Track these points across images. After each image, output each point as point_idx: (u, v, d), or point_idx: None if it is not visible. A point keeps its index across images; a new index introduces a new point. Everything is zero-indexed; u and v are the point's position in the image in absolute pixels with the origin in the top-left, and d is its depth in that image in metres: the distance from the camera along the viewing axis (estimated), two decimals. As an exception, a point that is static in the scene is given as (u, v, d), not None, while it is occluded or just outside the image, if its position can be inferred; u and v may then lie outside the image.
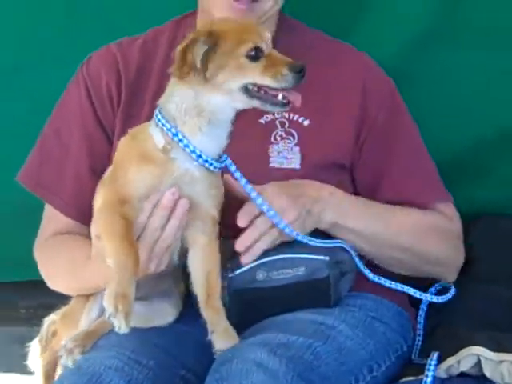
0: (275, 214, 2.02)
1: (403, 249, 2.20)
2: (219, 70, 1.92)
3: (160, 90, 2.07)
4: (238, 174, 2.02)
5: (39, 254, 2.36)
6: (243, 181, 2.02)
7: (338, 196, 2.16)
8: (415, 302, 2.36)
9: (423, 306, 2.35)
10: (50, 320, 2.28)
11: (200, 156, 1.95)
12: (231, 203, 2.04)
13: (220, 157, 1.99)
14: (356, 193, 2.29)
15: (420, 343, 2.30)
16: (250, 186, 2.02)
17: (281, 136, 2.24)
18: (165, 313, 2.14)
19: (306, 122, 2.25)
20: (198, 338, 2.07)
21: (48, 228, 2.37)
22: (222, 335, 1.97)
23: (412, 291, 2.22)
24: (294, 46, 2.28)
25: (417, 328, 2.32)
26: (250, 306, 2.07)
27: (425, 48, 2.79)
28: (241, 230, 2.05)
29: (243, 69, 1.93)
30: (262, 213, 2.03)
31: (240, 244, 2.04)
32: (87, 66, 2.35)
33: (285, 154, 2.22)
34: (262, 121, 2.25)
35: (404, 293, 2.25)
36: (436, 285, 2.38)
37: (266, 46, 1.95)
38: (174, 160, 1.94)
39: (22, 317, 3.37)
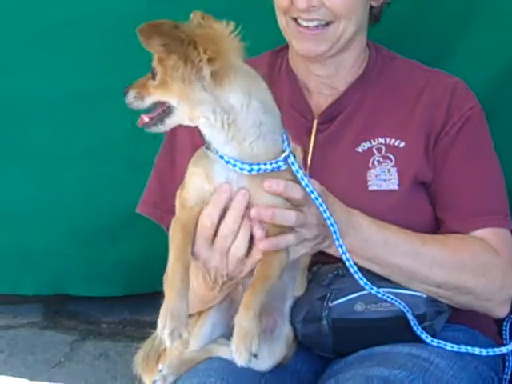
0: (332, 224, 1.98)
1: (435, 283, 2.15)
2: None
3: None
4: (299, 174, 1.94)
5: None
6: (304, 180, 1.95)
7: (365, 231, 2.10)
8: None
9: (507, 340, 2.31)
10: None
11: (228, 161, 1.91)
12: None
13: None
14: None
15: (509, 373, 2.30)
16: (311, 186, 1.95)
17: (378, 161, 2.27)
18: (265, 356, 2.09)
19: (402, 144, 2.28)
20: (303, 378, 2.13)
21: None
22: (241, 338, 1.86)
23: (477, 351, 2.16)
24: (389, 76, 2.37)
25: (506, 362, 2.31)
26: (347, 336, 2.09)
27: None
28: (337, 258, 2.08)
29: None
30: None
31: (269, 213, 1.92)
32: None
33: (383, 176, 2.25)
34: (359, 150, 2.29)
35: (492, 322, 2.28)
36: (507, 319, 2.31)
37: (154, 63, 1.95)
38: (213, 164, 1.95)
39: (105, 332, 3.44)
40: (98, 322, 3.50)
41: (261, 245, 1.93)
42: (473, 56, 2.83)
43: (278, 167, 1.92)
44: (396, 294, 2.08)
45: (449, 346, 2.12)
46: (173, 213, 2.33)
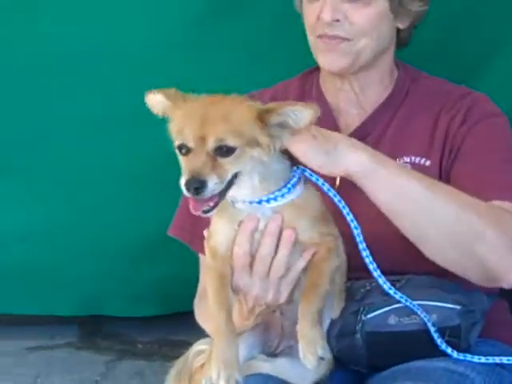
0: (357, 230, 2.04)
1: (447, 221, 2.07)
2: None
3: None
4: (320, 182, 2.04)
5: (197, 309, 2.42)
6: (325, 187, 2.04)
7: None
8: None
9: None
10: (198, 350, 2.26)
11: (254, 201, 1.98)
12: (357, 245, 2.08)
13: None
14: None
15: None
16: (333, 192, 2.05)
17: None
18: (304, 374, 2.10)
19: (428, 163, 2.31)
20: None
21: (203, 279, 2.42)
22: (306, 346, 1.92)
23: (505, 359, 2.14)
24: (415, 96, 2.40)
25: None
26: (381, 349, 2.09)
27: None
28: (370, 273, 2.09)
29: (179, 156, 1.94)
30: None
31: None
32: None
33: None
34: None
35: None
36: None
37: (196, 142, 1.88)
38: (240, 211, 2.00)
39: (140, 352, 3.47)
40: (133, 341, 3.53)
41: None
42: (503, 78, 2.84)
43: (293, 185, 1.99)
44: (427, 307, 2.07)
45: (476, 359, 2.11)
46: (201, 235, 2.36)
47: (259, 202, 1.98)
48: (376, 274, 2.06)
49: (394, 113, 2.38)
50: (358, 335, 2.08)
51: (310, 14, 2.33)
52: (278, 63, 2.81)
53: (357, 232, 2.05)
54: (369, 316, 2.08)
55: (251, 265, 2.02)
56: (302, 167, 2.04)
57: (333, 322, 2.13)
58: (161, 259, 3.27)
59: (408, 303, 2.06)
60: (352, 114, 2.41)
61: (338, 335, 2.12)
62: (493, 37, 2.85)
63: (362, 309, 2.09)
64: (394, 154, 2.30)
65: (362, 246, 2.05)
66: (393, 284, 2.10)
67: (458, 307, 2.09)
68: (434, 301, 2.09)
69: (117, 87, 3.04)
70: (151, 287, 3.37)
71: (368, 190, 2.06)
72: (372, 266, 2.06)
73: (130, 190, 3.21)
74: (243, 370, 2.11)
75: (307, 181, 2.05)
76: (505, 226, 2.10)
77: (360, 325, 2.08)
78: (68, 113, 3.10)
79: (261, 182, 1.98)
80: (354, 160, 2.02)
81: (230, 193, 1.95)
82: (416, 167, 2.29)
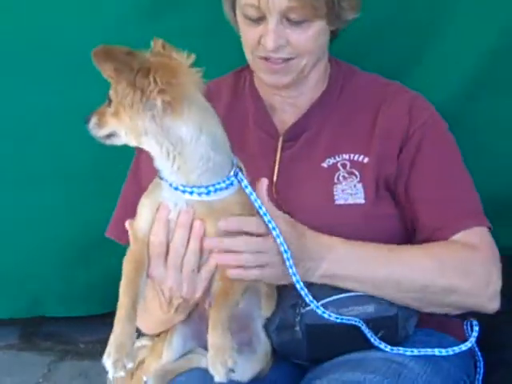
0: (283, 241, 2.01)
1: (421, 287, 2.16)
2: None
3: None
4: (247, 190, 2.01)
5: None
6: (258, 202, 2.00)
7: (339, 250, 2.14)
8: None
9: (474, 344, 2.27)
10: (139, 346, 2.28)
11: (176, 188, 1.97)
12: None
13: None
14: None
15: (481, 378, 2.31)
16: (263, 208, 2.00)
17: (343, 177, 2.30)
18: (244, 368, 2.10)
19: (366, 160, 2.31)
20: None
21: None
22: (215, 355, 1.91)
23: (437, 351, 2.17)
24: (350, 92, 2.42)
25: (477, 365, 2.33)
26: (320, 341, 2.11)
27: (476, 94, 2.86)
28: None
29: None
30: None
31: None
32: None
33: (349, 191, 2.28)
34: (325, 165, 2.32)
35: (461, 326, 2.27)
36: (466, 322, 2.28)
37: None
38: (164, 193, 1.99)
39: (83, 351, 3.44)
40: (75, 341, 3.50)
41: (213, 259, 1.99)
42: (435, 69, 2.86)
43: (231, 183, 1.97)
44: (365, 298, 2.11)
45: (409, 352, 2.14)
46: None
47: (183, 191, 1.96)
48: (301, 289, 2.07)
49: (329, 110, 2.39)
50: (298, 328, 2.10)
51: (249, 36, 2.30)
52: (212, 60, 2.80)
53: (279, 241, 2.02)
54: (307, 308, 2.09)
55: (166, 255, 2.01)
56: (238, 169, 2.01)
57: (272, 316, 2.15)
58: (100, 258, 3.25)
59: (332, 318, 2.07)
60: (287, 112, 2.41)
61: (277, 329, 2.14)
62: (422, 32, 2.86)
63: (300, 301, 2.10)
64: (331, 150, 2.33)
65: (291, 270, 2.04)
66: None
67: None
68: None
69: (55, 85, 3.02)
70: (91, 286, 3.34)
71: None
72: (292, 270, 2.04)
73: (67, 190, 3.18)
74: (183, 364, 2.16)
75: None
76: (469, 268, 2.19)
77: (299, 317, 2.10)
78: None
79: (186, 169, 1.94)
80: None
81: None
82: (354, 164, 2.30)
